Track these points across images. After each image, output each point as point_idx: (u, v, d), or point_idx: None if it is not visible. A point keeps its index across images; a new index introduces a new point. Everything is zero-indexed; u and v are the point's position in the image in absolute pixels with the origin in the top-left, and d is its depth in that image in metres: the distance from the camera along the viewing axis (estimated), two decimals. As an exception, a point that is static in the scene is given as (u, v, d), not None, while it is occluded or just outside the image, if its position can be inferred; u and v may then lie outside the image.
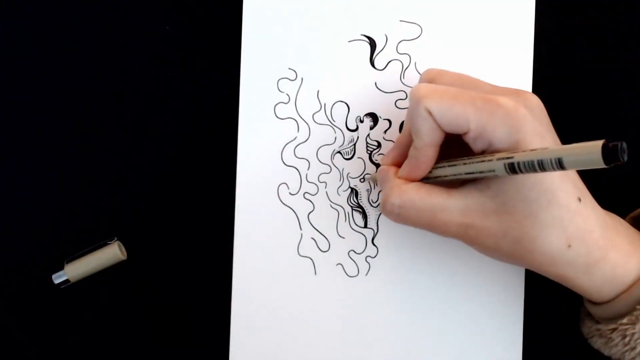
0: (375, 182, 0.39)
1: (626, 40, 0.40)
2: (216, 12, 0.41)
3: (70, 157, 0.41)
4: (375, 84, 0.40)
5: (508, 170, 0.28)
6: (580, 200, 0.31)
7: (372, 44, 0.40)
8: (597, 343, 0.35)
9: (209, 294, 0.40)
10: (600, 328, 0.34)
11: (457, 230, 0.32)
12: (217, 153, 0.40)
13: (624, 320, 0.32)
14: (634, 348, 0.32)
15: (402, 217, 0.33)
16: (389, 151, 0.36)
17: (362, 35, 0.40)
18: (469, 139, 0.31)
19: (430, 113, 0.31)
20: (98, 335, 0.41)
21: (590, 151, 0.24)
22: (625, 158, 0.23)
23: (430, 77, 0.34)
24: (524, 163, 0.27)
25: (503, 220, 0.31)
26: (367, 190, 0.40)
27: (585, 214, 0.31)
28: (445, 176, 0.32)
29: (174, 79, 0.41)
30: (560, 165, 0.25)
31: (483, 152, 0.31)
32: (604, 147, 0.23)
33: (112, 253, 0.40)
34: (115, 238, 0.40)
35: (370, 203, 0.40)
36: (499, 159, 0.29)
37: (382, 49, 0.39)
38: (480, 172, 0.30)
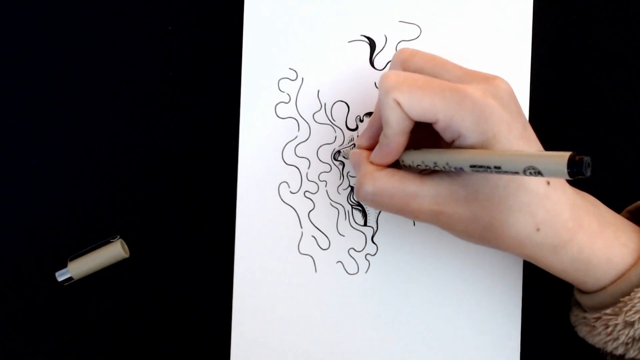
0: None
1: (624, 39, 0.40)
2: (218, 13, 0.41)
3: (73, 157, 0.41)
4: (375, 83, 0.40)
5: (473, 170, 0.29)
6: (549, 183, 0.31)
7: (372, 44, 0.40)
8: (583, 331, 0.36)
9: (210, 290, 0.41)
10: (586, 316, 0.35)
11: (428, 217, 0.33)
12: (218, 152, 0.41)
13: (608, 311, 0.33)
14: (616, 338, 0.33)
15: (376, 203, 0.33)
16: (362, 132, 0.36)
17: (362, 35, 0.40)
18: (438, 128, 0.31)
19: (398, 104, 0.31)
20: (101, 331, 0.41)
21: (556, 162, 0.24)
22: (588, 173, 0.23)
23: (403, 58, 0.34)
24: (488, 167, 0.27)
25: (473, 207, 0.32)
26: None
27: (554, 198, 0.32)
28: (417, 165, 0.33)
29: (176, 79, 0.41)
30: (524, 173, 0.25)
31: (453, 142, 0.31)
32: (570, 159, 0.23)
33: (114, 251, 0.40)
34: (118, 236, 0.41)
35: (369, 201, 0.40)
36: (466, 155, 0.29)
37: (382, 49, 0.40)
38: (447, 165, 0.30)
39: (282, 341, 0.40)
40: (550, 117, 0.40)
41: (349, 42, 0.40)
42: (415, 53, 0.34)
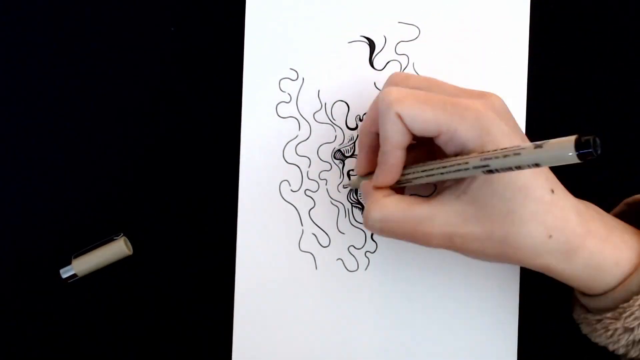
0: (355, 186, 0.39)
1: (621, 39, 0.41)
2: (219, 15, 0.41)
3: (77, 157, 0.42)
4: (375, 83, 0.40)
5: (484, 171, 0.28)
6: (553, 191, 0.32)
7: (372, 44, 0.40)
8: (585, 330, 0.36)
9: (212, 287, 0.41)
10: (587, 317, 0.35)
11: (442, 241, 0.32)
12: (220, 151, 0.41)
13: (609, 315, 0.33)
14: (617, 341, 0.33)
15: (385, 230, 0.33)
16: (357, 159, 0.36)
17: (361, 36, 0.40)
18: (440, 142, 0.31)
19: (400, 118, 0.31)
20: (105, 327, 0.41)
21: (563, 147, 0.24)
22: (599, 151, 0.23)
23: (397, 81, 0.34)
24: (498, 163, 0.27)
25: (485, 223, 0.31)
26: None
27: (560, 205, 0.32)
28: (419, 176, 0.32)
29: (179, 79, 0.41)
30: (534, 162, 0.25)
31: (455, 154, 0.31)
32: (576, 142, 0.23)
33: (118, 248, 0.40)
34: (122, 234, 0.41)
35: (369, 200, 0.40)
36: (475, 167, 0.29)
37: (381, 50, 0.40)
38: (456, 172, 0.30)
39: (283, 337, 0.40)
40: (545, 117, 0.40)
41: (349, 42, 0.40)
42: (409, 76, 0.34)
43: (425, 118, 0.31)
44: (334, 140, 0.40)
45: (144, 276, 0.41)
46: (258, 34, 0.40)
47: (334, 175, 0.40)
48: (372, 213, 0.33)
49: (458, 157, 0.30)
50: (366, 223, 0.34)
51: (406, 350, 0.40)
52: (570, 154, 0.23)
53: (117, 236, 0.41)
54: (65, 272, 0.40)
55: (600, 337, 0.35)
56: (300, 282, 0.40)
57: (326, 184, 0.40)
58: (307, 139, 0.40)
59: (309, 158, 0.40)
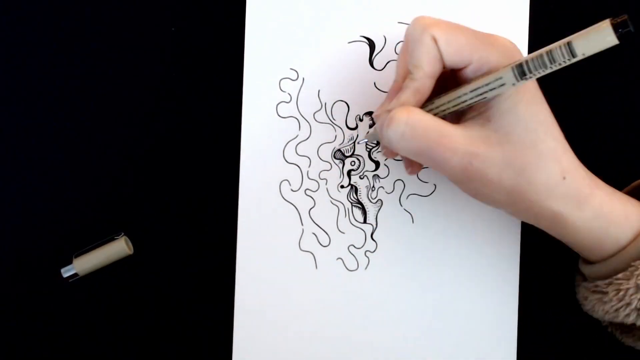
0: (373, 138, 0.38)
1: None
2: (220, 15, 0.41)
3: (77, 156, 0.42)
4: (375, 83, 0.40)
5: (517, 74, 0.28)
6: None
7: (371, 45, 0.40)
8: (592, 301, 0.35)
9: (213, 286, 0.41)
10: (598, 284, 0.34)
11: (462, 160, 0.31)
12: (220, 151, 0.41)
13: (620, 275, 0.33)
14: (629, 304, 0.33)
15: (407, 136, 0.31)
16: (382, 102, 0.35)
17: (361, 36, 0.40)
18: (468, 72, 0.31)
19: (436, 41, 0.31)
20: (106, 326, 0.42)
21: (600, 30, 0.24)
22: (633, 28, 0.24)
23: (423, 20, 0.33)
24: (532, 60, 0.27)
25: (507, 150, 0.31)
26: (367, 187, 0.41)
27: (572, 154, 0.33)
28: (449, 102, 0.32)
29: (179, 79, 0.41)
30: (571, 52, 0.25)
31: None
32: (612, 23, 0.24)
33: (119, 248, 0.40)
34: (122, 233, 0.41)
35: (369, 199, 0.41)
36: (506, 66, 0.29)
37: (381, 50, 0.40)
38: (487, 85, 0.30)
39: (283, 336, 0.40)
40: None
41: (349, 42, 0.40)
42: (433, 18, 0.33)
43: (460, 43, 0.31)
44: (334, 140, 0.41)
45: (144, 276, 0.41)
46: (258, 34, 0.40)
47: (334, 175, 0.41)
48: (398, 116, 0.31)
49: (489, 75, 0.30)
50: (388, 128, 0.31)
51: (406, 349, 0.40)
52: (609, 35, 0.24)
53: (118, 236, 0.41)
54: (66, 272, 0.41)
55: (610, 303, 0.34)
56: (301, 282, 0.40)
57: (326, 184, 0.41)
58: (307, 138, 0.41)
59: (309, 158, 0.41)
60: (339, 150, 0.41)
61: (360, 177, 0.41)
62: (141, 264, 0.41)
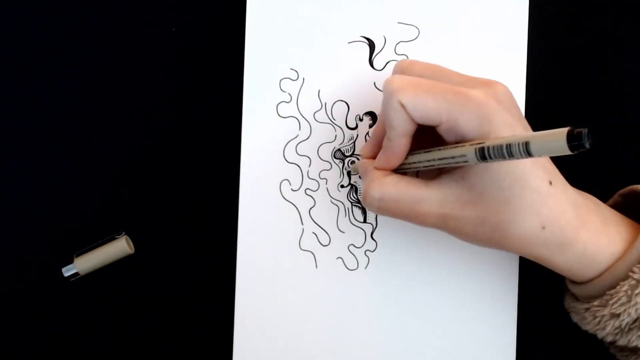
0: (357, 172, 0.40)
1: (619, 40, 0.41)
2: (220, 15, 0.42)
3: (78, 156, 0.42)
4: (375, 83, 0.40)
5: (478, 156, 0.28)
6: (551, 183, 0.32)
7: (371, 45, 0.40)
8: (575, 318, 0.37)
9: (213, 285, 0.41)
10: (576, 306, 0.36)
11: (436, 221, 0.33)
12: (221, 150, 0.41)
13: (596, 303, 0.34)
14: (603, 328, 0.34)
15: (382, 209, 0.34)
16: (366, 143, 0.37)
17: (361, 36, 0.40)
18: (441, 130, 0.32)
19: (403, 106, 0.31)
20: (107, 325, 0.42)
21: (556, 138, 0.24)
22: (589, 145, 0.23)
23: (402, 68, 0.35)
24: (493, 147, 0.27)
25: (480, 209, 0.32)
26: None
27: (557, 197, 0.32)
28: (420, 162, 0.33)
29: (180, 79, 0.42)
30: (527, 151, 0.25)
31: (456, 143, 0.31)
32: (568, 134, 0.23)
33: (120, 247, 0.40)
34: (123, 232, 0.41)
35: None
36: (471, 145, 0.29)
37: (381, 50, 0.40)
38: (453, 158, 0.30)
39: (283, 335, 0.40)
40: (544, 114, 0.41)
41: (349, 43, 0.40)
42: (414, 63, 0.34)
43: (427, 107, 0.31)
44: (334, 140, 0.41)
45: (145, 275, 0.42)
46: (259, 34, 0.40)
47: (334, 175, 0.41)
48: (371, 191, 0.33)
49: (454, 146, 0.30)
50: (364, 200, 0.34)
51: (406, 349, 0.40)
52: (562, 145, 0.24)
53: (119, 235, 0.41)
54: (67, 271, 0.41)
55: (589, 325, 0.35)
56: (301, 281, 0.41)
57: (326, 183, 0.41)
58: (308, 138, 0.41)
59: (309, 157, 0.41)
60: (339, 150, 0.41)
61: (360, 176, 0.41)
62: (142, 264, 0.42)
